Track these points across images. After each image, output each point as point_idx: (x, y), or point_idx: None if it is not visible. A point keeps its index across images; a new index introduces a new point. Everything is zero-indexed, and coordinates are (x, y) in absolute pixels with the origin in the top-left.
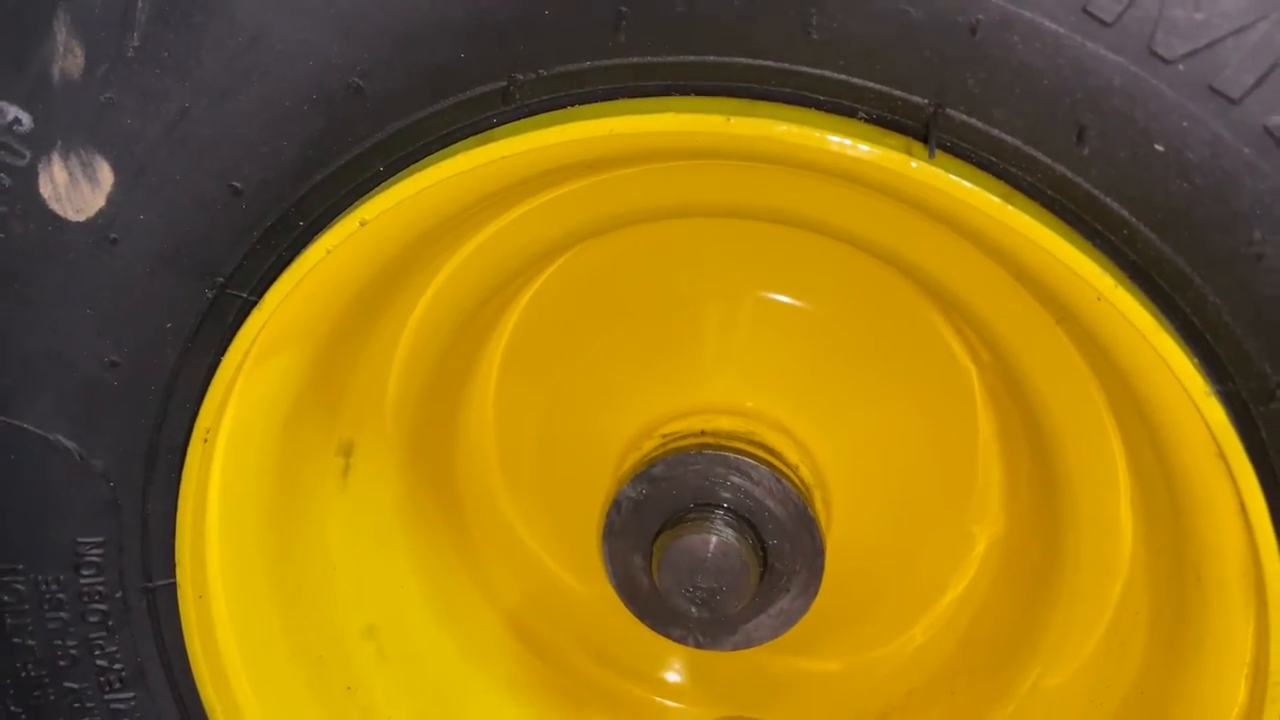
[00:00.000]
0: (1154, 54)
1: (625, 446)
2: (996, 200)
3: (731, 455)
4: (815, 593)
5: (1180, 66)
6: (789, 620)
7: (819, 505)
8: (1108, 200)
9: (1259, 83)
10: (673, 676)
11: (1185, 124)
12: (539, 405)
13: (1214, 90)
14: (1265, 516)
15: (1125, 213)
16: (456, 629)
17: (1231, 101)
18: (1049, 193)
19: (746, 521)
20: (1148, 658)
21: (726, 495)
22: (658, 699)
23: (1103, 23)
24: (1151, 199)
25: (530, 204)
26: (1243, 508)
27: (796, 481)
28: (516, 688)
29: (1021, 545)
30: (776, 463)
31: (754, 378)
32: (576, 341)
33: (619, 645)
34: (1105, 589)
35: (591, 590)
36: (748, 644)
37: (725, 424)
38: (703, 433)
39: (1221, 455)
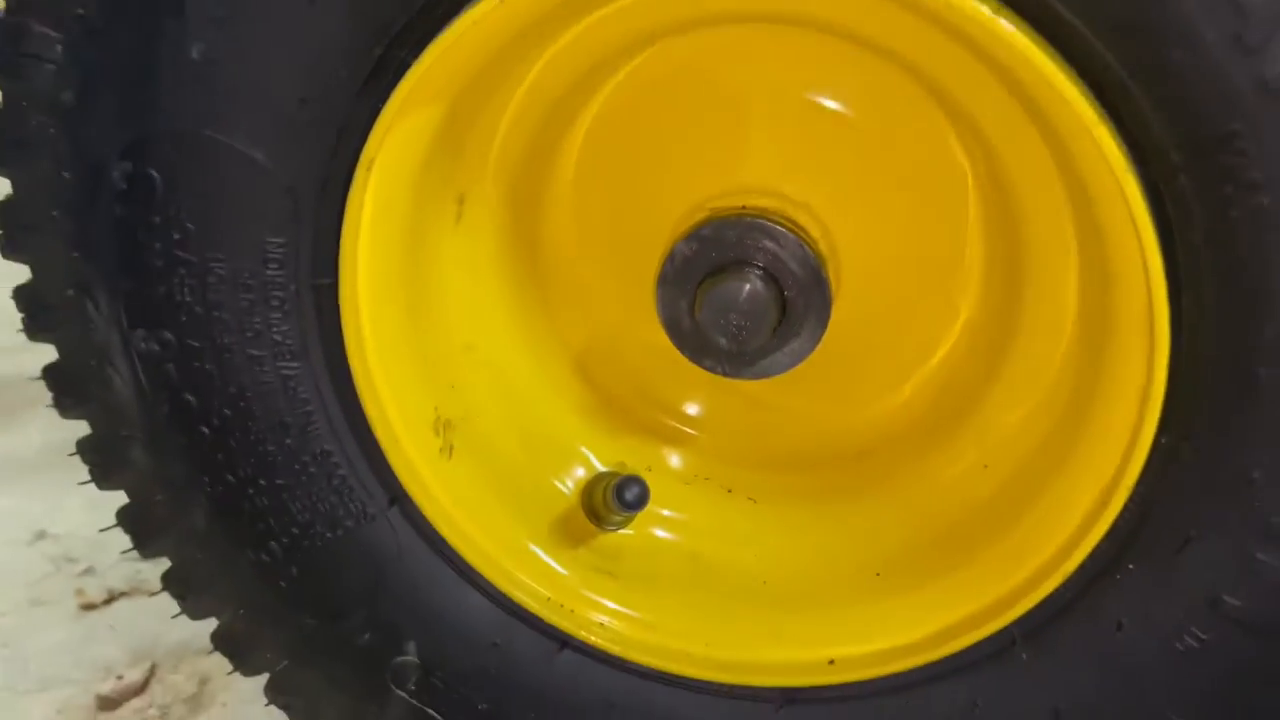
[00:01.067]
0: None
1: (680, 215)
2: (988, 12)
3: (765, 223)
4: (820, 337)
5: None
6: (798, 357)
7: (831, 270)
8: (1062, 9)
9: None
10: (695, 410)
11: None
12: (612, 177)
13: None
14: (1160, 271)
15: (1077, 22)
16: (535, 357)
17: None
18: (1026, 9)
19: (772, 276)
20: (1074, 394)
21: (758, 254)
22: (683, 427)
23: None
24: (1103, 18)
25: (604, 10)
26: (1145, 267)
27: (815, 249)
28: (578, 408)
29: (993, 314)
30: (800, 233)
31: (788, 166)
32: (646, 128)
33: (657, 384)
34: (1054, 346)
35: (639, 332)
36: (765, 374)
37: (762, 201)
38: (743, 207)
39: (1133, 223)
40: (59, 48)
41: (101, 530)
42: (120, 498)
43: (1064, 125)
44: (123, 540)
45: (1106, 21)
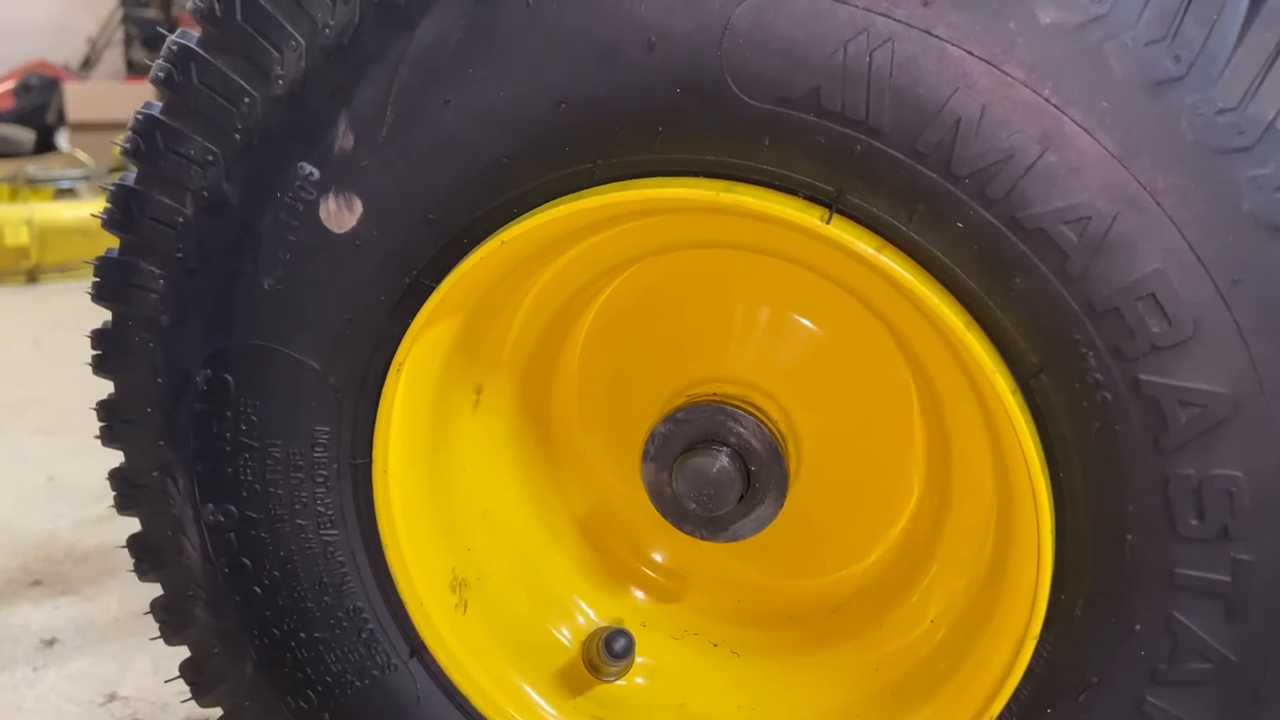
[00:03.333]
0: (951, 174)
1: (664, 400)
2: (872, 250)
3: (731, 409)
4: (782, 505)
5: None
6: (763, 523)
7: (790, 448)
8: (934, 251)
9: (1008, 193)
10: (684, 572)
11: (971, 214)
12: (608, 369)
13: (988, 198)
14: (1034, 455)
15: (945, 258)
16: (542, 521)
17: (993, 201)
18: (903, 246)
19: (738, 453)
20: (994, 560)
21: (726, 434)
22: (674, 587)
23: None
24: (959, 250)
25: (602, 235)
26: (1023, 451)
27: (775, 431)
28: (580, 569)
29: (937, 493)
30: (762, 417)
31: (755, 362)
32: (636, 328)
33: (650, 548)
34: (980, 520)
35: (633, 501)
36: (736, 538)
37: (731, 389)
38: (714, 394)
39: (1008, 414)
40: (161, 281)
41: (166, 681)
42: (178, 662)
43: (950, 334)
44: (182, 707)
45: (965, 257)
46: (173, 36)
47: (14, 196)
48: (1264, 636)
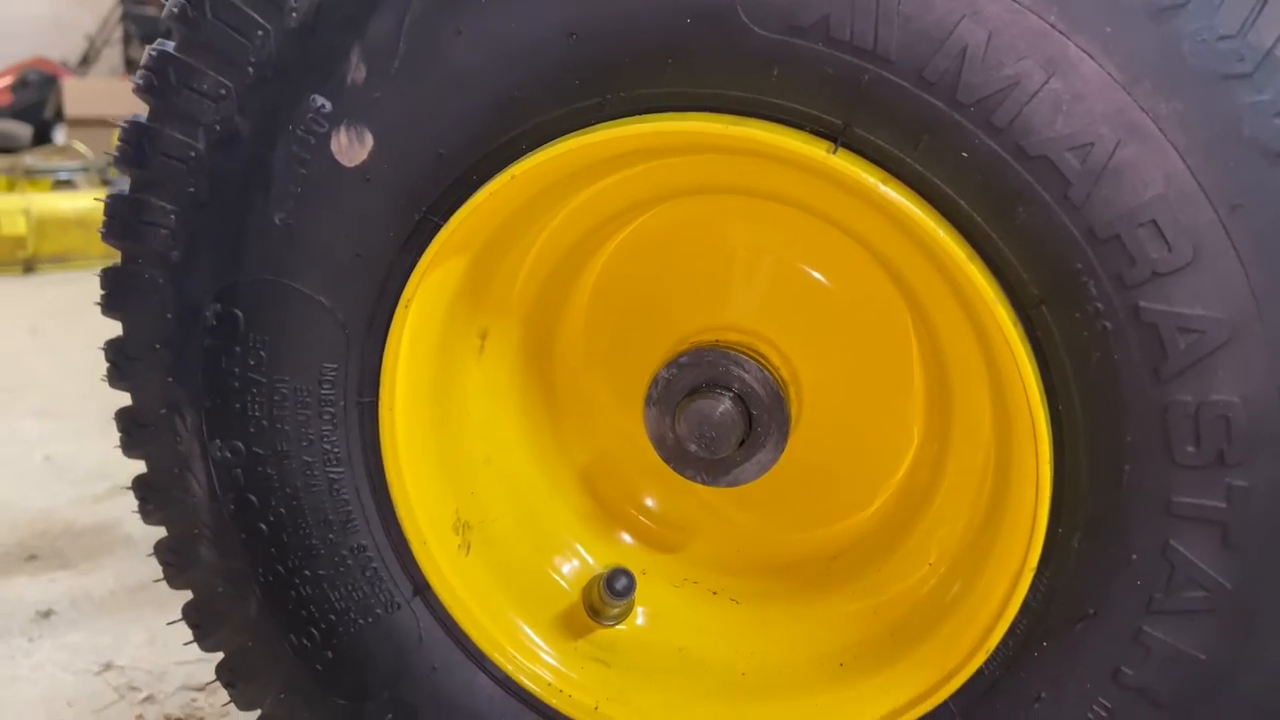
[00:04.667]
0: (956, 102)
1: (668, 346)
2: (877, 183)
3: (734, 354)
4: (783, 449)
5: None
6: (764, 467)
7: (791, 393)
8: (939, 183)
9: (1012, 121)
10: (685, 521)
11: (976, 142)
12: (615, 315)
13: (993, 125)
14: (1035, 386)
15: (949, 190)
16: (545, 471)
17: (998, 129)
18: (908, 179)
19: (740, 396)
20: (992, 498)
21: (728, 379)
22: (674, 536)
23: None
24: (963, 181)
25: (609, 180)
26: (1023, 383)
27: (776, 375)
28: (582, 517)
29: (936, 438)
30: (763, 362)
31: (757, 308)
32: (644, 275)
33: (651, 497)
34: (979, 460)
35: (634, 450)
36: (737, 482)
37: (733, 336)
38: (717, 341)
39: (1009, 345)
40: (171, 217)
41: (169, 624)
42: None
43: (952, 266)
44: (179, 673)
45: (969, 187)
46: None
47: (12, 187)
48: (1260, 564)
